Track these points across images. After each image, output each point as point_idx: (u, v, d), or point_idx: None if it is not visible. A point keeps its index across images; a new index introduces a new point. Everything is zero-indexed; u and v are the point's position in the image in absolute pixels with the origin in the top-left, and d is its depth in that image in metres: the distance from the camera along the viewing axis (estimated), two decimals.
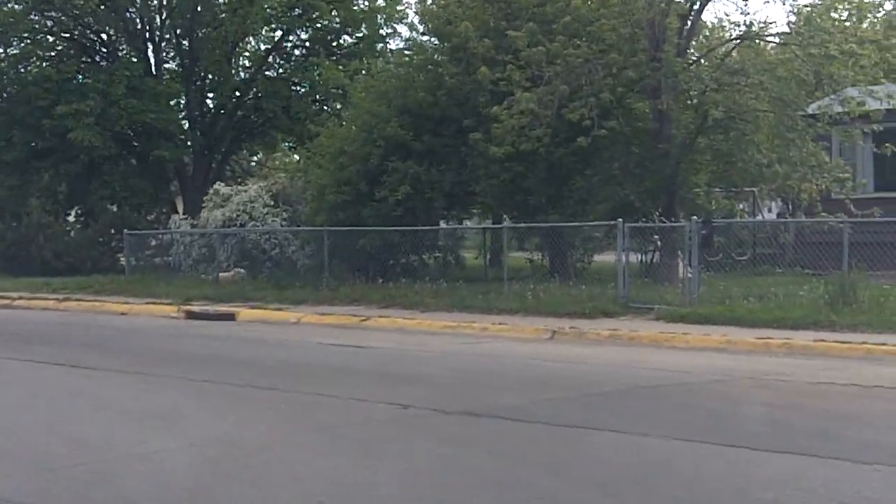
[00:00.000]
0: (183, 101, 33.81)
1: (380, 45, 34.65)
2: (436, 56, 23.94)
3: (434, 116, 23.01)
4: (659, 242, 20.66)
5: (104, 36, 33.90)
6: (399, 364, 13.13)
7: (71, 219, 32.62)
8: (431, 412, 9.40)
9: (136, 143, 33.02)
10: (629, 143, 21.57)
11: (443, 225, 24.80)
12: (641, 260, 21.37)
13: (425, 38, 25.92)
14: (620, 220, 18.14)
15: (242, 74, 35.74)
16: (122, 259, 28.08)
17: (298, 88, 34.61)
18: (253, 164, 41.44)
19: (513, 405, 9.73)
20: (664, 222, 19.21)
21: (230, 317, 19.36)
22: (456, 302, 18.61)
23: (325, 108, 32.98)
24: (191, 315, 19.95)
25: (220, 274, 24.80)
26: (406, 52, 27.01)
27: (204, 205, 28.06)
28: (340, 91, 31.83)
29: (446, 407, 9.52)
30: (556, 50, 20.01)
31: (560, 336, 15.28)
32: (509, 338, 15.50)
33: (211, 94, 35.39)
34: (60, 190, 32.56)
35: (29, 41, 31.64)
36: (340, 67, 32.64)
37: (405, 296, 19.55)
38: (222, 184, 28.82)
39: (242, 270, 24.89)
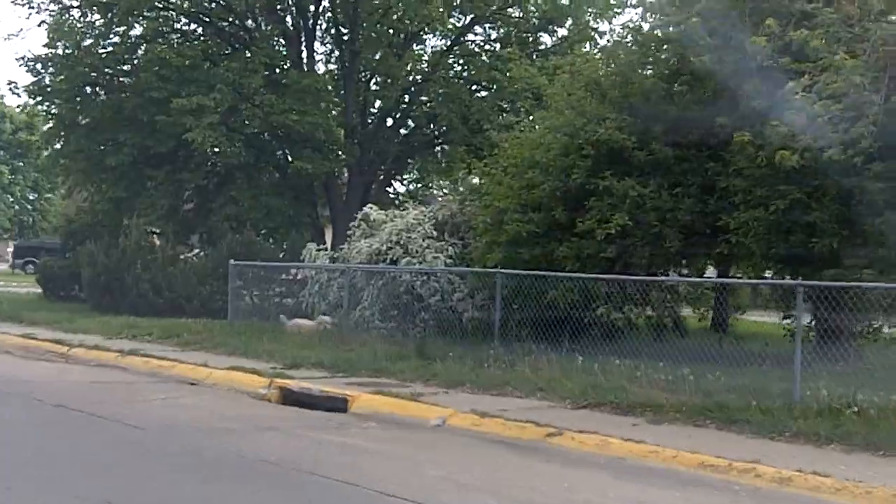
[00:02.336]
0: (338, 103, 26.97)
1: (587, 46, 27.42)
2: (675, 24, 16.25)
3: (669, 115, 15.61)
4: None
5: (250, 21, 27.48)
6: None
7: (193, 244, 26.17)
8: None
9: (278, 152, 26.41)
10: None
11: (673, 275, 17.06)
12: None
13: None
14: None
15: (414, 78, 28.93)
16: (246, 298, 21.70)
17: (482, 92, 27.57)
18: (417, 185, 34.05)
19: None
20: None
21: (340, 404, 12.17)
22: (710, 408, 10.76)
23: (515, 116, 25.65)
24: (285, 395, 12.88)
25: (291, 322, 18.89)
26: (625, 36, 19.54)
27: (350, 232, 21.31)
28: (534, 96, 24.42)
29: None
30: None
31: None
32: None
33: (376, 100, 28.76)
34: (182, 206, 26.09)
35: (159, 20, 25.50)
36: (536, 65, 25.40)
37: (620, 388, 11.88)
38: (375, 207, 21.84)
39: (328, 318, 18.94)
